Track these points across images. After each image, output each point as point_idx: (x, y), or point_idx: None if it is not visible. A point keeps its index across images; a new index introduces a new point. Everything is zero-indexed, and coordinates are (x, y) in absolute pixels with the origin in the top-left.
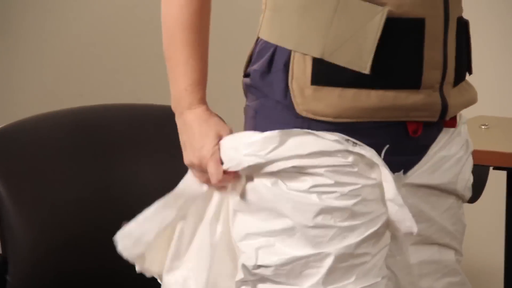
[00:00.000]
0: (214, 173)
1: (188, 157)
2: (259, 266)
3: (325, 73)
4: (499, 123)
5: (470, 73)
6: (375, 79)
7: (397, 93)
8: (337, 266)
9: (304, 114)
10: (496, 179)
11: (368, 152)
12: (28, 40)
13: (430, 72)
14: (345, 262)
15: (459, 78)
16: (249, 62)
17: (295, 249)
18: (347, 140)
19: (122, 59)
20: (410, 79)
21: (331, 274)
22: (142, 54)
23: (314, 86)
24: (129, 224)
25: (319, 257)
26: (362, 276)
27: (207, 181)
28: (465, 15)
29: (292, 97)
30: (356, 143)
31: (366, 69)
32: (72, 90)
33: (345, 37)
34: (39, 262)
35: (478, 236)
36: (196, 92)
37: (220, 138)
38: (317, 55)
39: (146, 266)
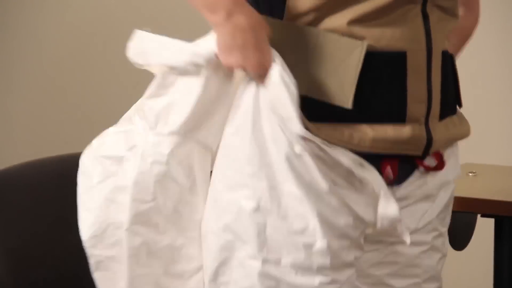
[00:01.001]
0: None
1: (234, 61)
2: (220, 283)
3: (308, 109)
4: (486, 171)
5: (460, 106)
6: (358, 113)
7: (382, 127)
8: None
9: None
10: (484, 227)
11: (373, 175)
12: (14, 88)
13: (415, 106)
14: None
15: (445, 111)
16: None
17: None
18: (355, 161)
19: (109, 107)
20: (395, 113)
21: None
22: (129, 103)
23: None
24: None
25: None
26: None
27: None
28: None
29: None
30: (363, 165)
31: (348, 104)
32: (58, 136)
33: (327, 73)
34: None
35: (467, 283)
36: None
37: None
38: (300, 92)
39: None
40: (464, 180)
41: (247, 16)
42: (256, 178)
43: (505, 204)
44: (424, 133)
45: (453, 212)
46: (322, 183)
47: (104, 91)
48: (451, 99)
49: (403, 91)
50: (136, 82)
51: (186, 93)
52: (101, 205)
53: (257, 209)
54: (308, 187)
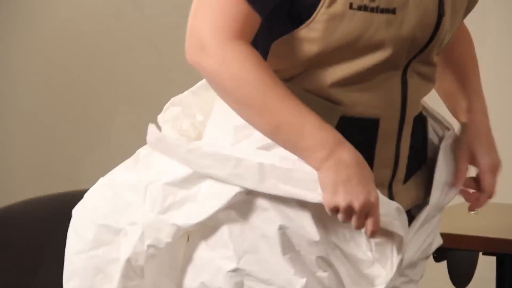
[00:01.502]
0: (376, 223)
1: (341, 199)
2: None
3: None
4: (488, 209)
5: (426, 163)
6: None
7: None
8: None
9: None
10: (486, 265)
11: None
12: (16, 122)
13: (380, 171)
14: None
15: (410, 174)
16: None
17: None
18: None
19: (108, 141)
20: None
21: None
22: (128, 138)
23: None
24: None
25: None
26: None
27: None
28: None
29: None
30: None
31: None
32: (60, 174)
33: None
34: None
35: None
36: (333, 128)
37: None
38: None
39: None
40: (465, 218)
41: (350, 152)
42: (239, 239)
43: (506, 242)
44: (387, 197)
45: (454, 250)
46: (311, 256)
47: (105, 126)
48: (420, 160)
49: (371, 156)
50: (139, 113)
51: (210, 197)
52: (90, 272)
53: (236, 270)
54: (296, 257)
